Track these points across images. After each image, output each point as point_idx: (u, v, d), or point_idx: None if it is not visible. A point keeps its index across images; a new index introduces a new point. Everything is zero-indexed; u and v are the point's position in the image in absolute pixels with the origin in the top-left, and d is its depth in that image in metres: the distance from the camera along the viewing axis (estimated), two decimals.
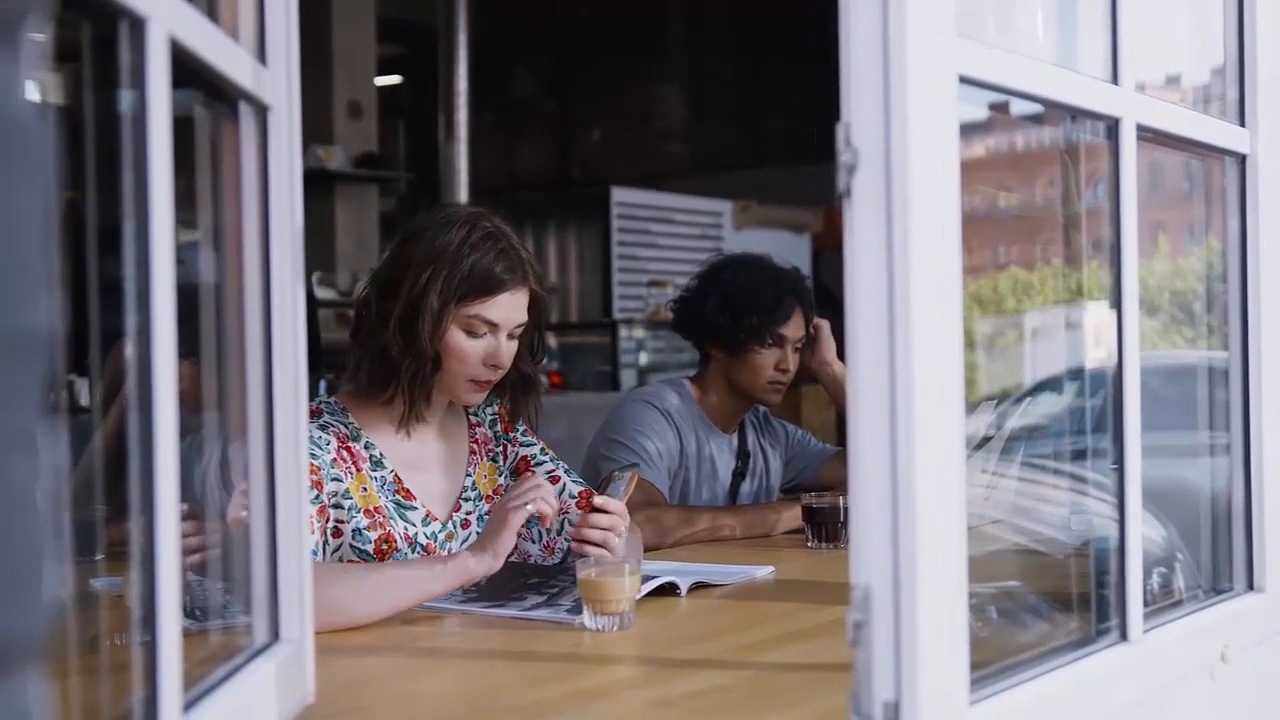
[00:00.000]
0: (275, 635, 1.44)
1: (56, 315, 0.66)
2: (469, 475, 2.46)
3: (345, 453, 2.27)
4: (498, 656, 1.86)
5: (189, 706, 1.14)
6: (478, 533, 2.40)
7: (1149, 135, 1.66)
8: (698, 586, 2.30)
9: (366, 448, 2.33)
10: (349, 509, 2.25)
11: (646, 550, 2.74)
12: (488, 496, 2.47)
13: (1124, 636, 1.59)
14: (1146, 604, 1.63)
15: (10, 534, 0.61)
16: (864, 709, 1.23)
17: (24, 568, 0.62)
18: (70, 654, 1.21)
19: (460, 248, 2.26)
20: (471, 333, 2.29)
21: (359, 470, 2.29)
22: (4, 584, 0.61)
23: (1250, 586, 1.91)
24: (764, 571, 2.47)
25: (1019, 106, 1.63)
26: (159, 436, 1.05)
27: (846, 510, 2.78)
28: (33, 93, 0.64)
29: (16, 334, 0.62)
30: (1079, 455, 1.99)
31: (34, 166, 0.63)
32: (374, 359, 2.31)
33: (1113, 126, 1.60)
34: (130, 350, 1.06)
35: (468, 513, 2.43)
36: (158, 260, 1.05)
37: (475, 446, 2.49)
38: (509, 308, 2.31)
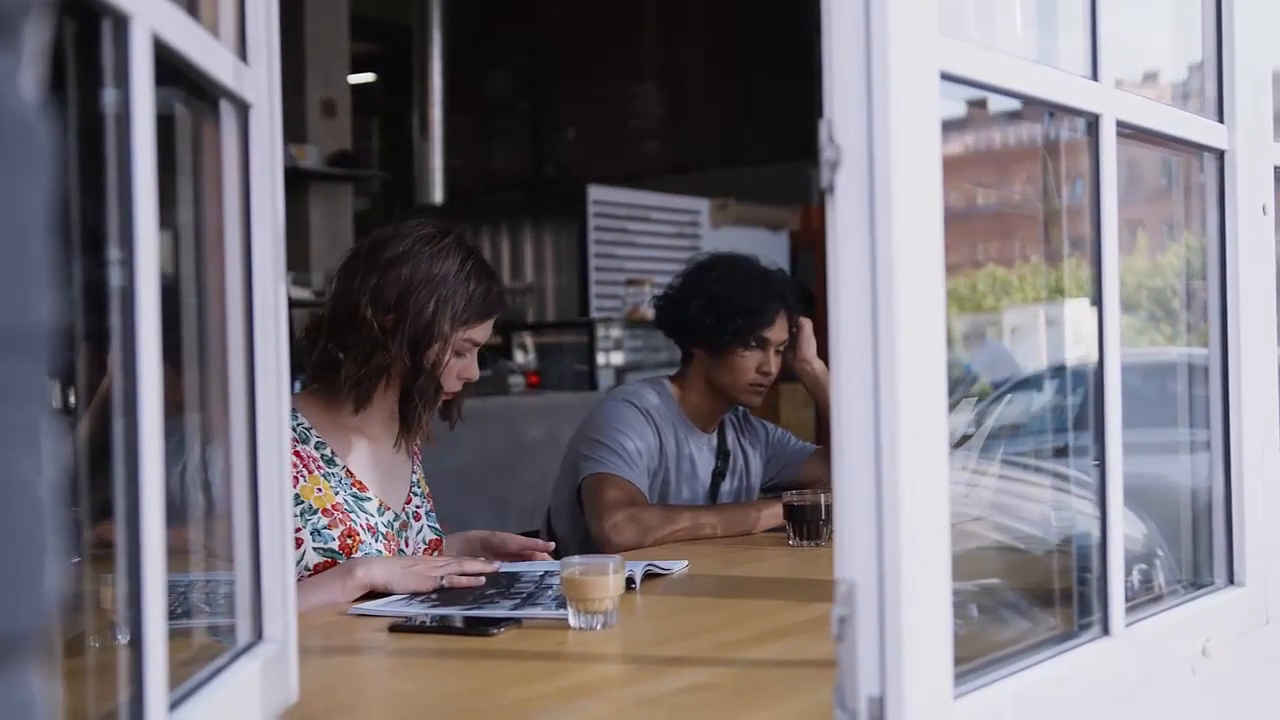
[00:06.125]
0: (259, 635, 1.43)
1: (57, 312, 0.66)
2: (414, 473, 2.58)
3: (294, 456, 2.30)
4: (482, 656, 1.85)
5: (174, 706, 1.14)
6: (428, 525, 2.55)
7: (1128, 131, 1.67)
8: (649, 576, 2.36)
9: (317, 448, 2.40)
10: (302, 513, 2.31)
11: (628, 549, 2.75)
12: (427, 495, 2.60)
13: (1106, 630, 1.59)
14: (1128, 599, 1.64)
15: (16, 528, 0.61)
16: (848, 704, 1.23)
17: (29, 562, 0.62)
18: (53, 655, 1.20)
19: (460, 276, 2.40)
20: (458, 353, 2.43)
21: (311, 472, 2.36)
22: (11, 578, 0.61)
23: (1230, 581, 1.92)
24: (680, 566, 2.49)
25: (997, 103, 1.63)
26: (144, 437, 1.04)
27: (828, 508, 2.80)
28: (32, 90, 0.64)
29: (20, 328, 0.62)
30: (1059, 452, 2.00)
31: (36, 163, 0.63)
32: (374, 374, 2.38)
33: (1093, 122, 1.60)
34: (113, 352, 1.05)
35: (417, 506, 2.55)
36: (141, 260, 1.05)
37: (415, 450, 2.61)
38: (490, 328, 2.49)
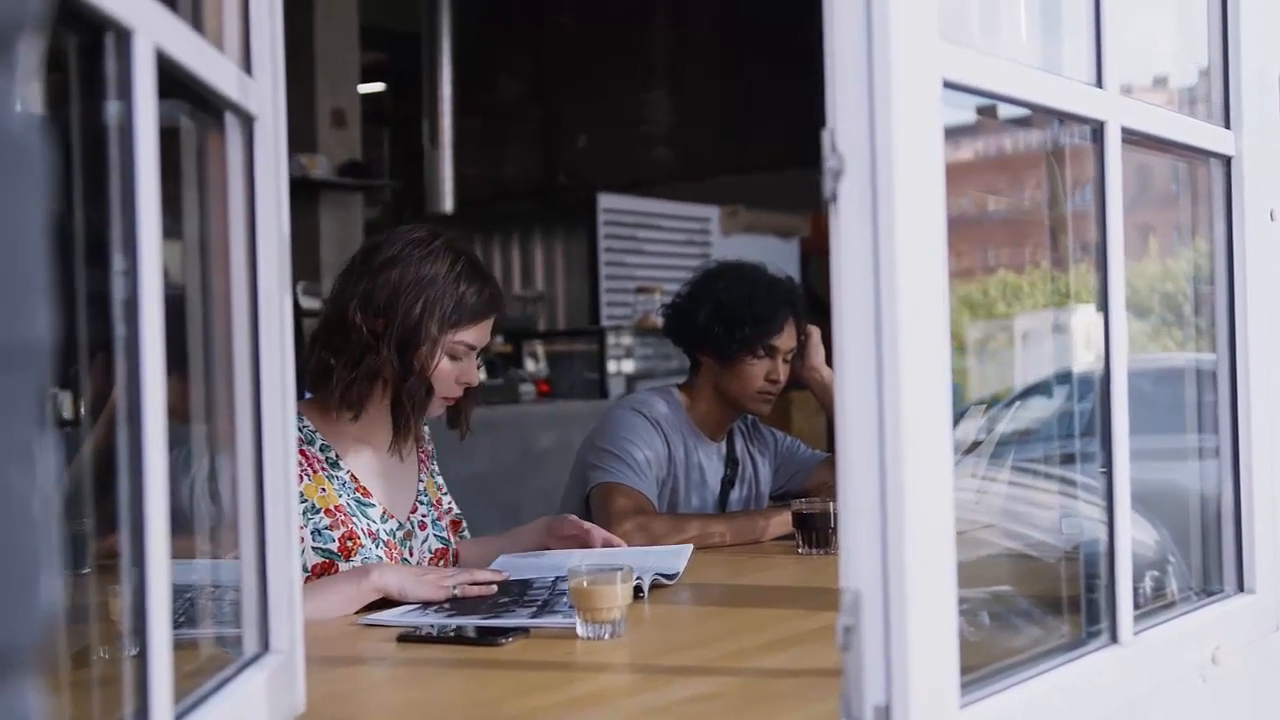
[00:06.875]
0: (265, 646, 1.43)
1: (53, 326, 0.66)
2: (420, 481, 2.58)
3: (299, 456, 2.32)
4: (490, 665, 1.85)
5: (180, 717, 1.14)
6: (434, 535, 2.55)
7: (1134, 138, 1.67)
8: (657, 586, 2.35)
9: (322, 450, 2.41)
10: (304, 511, 2.32)
11: None
12: (435, 503, 2.59)
13: (1114, 638, 1.59)
14: (1138, 607, 1.63)
15: (11, 543, 0.62)
16: (854, 713, 1.23)
17: (25, 577, 0.62)
18: (60, 666, 1.20)
19: (449, 278, 2.39)
20: (453, 356, 2.43)
21: (316, 472, 2.37)
22: (6, 593, 0.61)
23: (1240, 588, 1.91)
24: (687, 551, 2.54)
25: (1006, 110, 1.63)
26: (148, 449, 1.04)
27: (836, 516, 2.79)
28: (29, 104, 0.65)
29: (15, 344, 0.62)
30: (1069, 459, 1.99)
31: (31, 178, 0.64)
32: (365, 378, 2.39)
33: (1098, 130, 1.60)
34: (118, 363, 1.05)
35: (423, 515, 2.55)
36: (145, 272, 1.05)
37: (423, 457, 2.61)
38: (487, 332, 2.48)
